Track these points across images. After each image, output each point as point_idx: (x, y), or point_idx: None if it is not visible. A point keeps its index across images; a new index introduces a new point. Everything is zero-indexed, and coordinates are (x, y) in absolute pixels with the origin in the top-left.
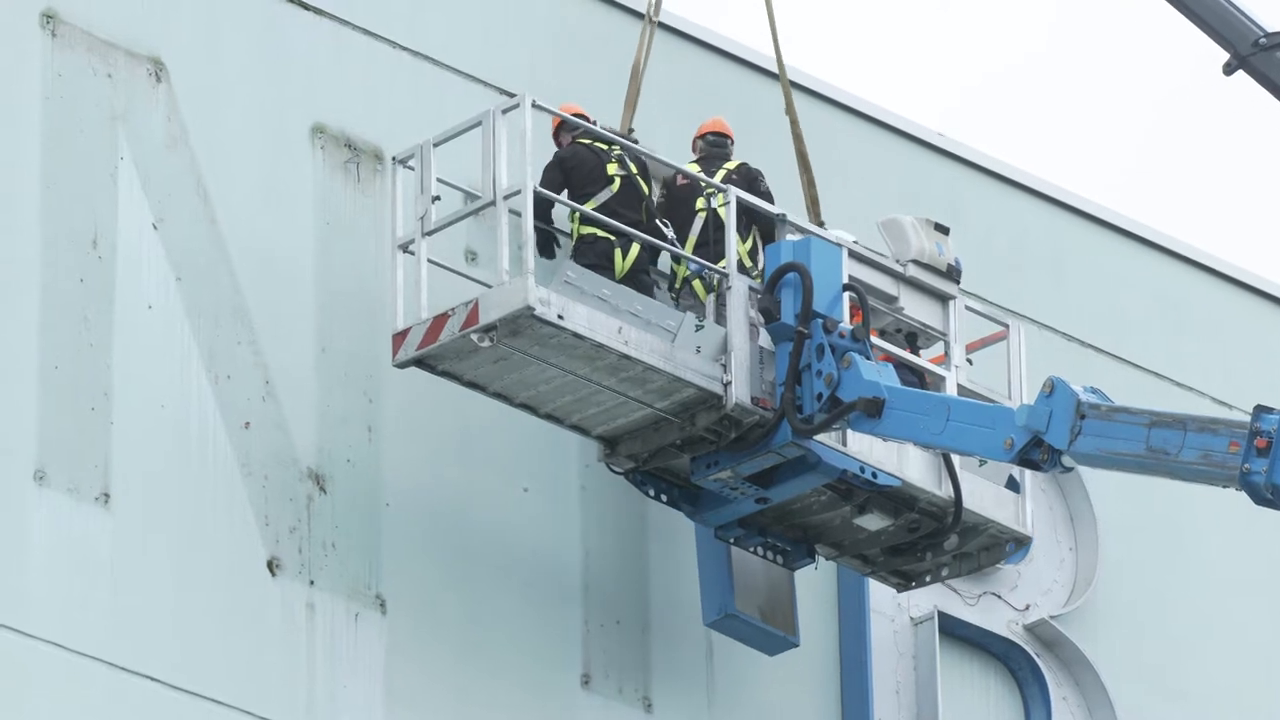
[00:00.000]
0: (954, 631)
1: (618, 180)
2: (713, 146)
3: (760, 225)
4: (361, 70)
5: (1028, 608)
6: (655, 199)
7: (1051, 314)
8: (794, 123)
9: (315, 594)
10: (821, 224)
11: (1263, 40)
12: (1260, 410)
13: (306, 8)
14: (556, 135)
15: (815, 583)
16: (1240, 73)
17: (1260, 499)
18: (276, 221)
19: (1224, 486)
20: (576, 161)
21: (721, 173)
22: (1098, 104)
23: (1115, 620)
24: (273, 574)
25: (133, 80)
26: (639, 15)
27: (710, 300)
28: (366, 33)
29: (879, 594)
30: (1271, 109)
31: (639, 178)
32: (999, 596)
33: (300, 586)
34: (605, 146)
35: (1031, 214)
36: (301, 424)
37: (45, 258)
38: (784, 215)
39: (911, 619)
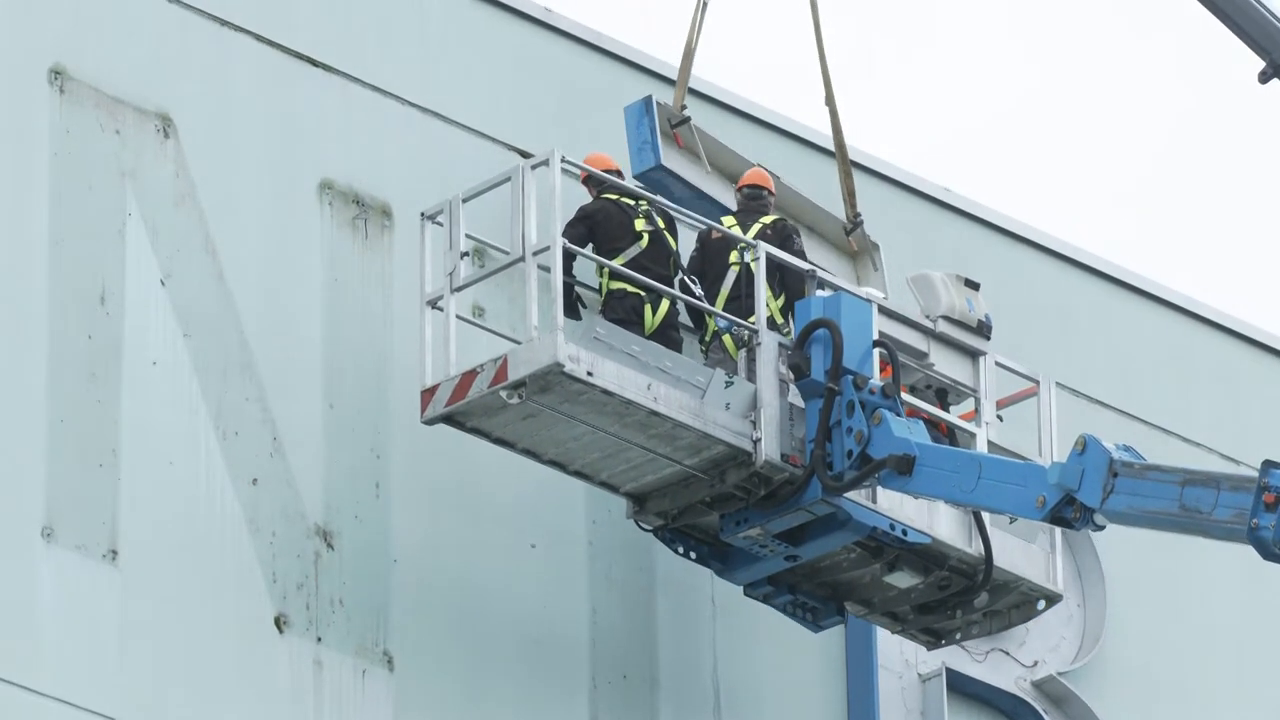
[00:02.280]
0: (962, 688)
1: (646, 236)
2: (749, 199)
3: (790, 284)
4: (369, 126)
5: (1036, 664)
6: (690, 253)
7: (1059, 369)
8: (834, 114)
9: (323, 651)
10: (857, 215)
11: None
12: (1269, 465)
13: (315, 64)
14: (587, 183)
15: (823, 638)
16: (1274, 82)
17: (1269, 554)
18: (284, 278)
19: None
20: (603, 216)
21: (757, 227)
22: (1101, 156)
23: (1123, 676)
24: (280, 630)
25: (141, 136)
26: (646, 70)
27: (741, 356)
28: (375, 89)
29: (887, 650)
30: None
31: (666, 232)
32: (1007, 653)
33: (308, 643)
34: (632, 201)
35: (1039, 269)
36: (309, 480)
37: (53, 313)
38: (814, 272)
39: (920, 675)
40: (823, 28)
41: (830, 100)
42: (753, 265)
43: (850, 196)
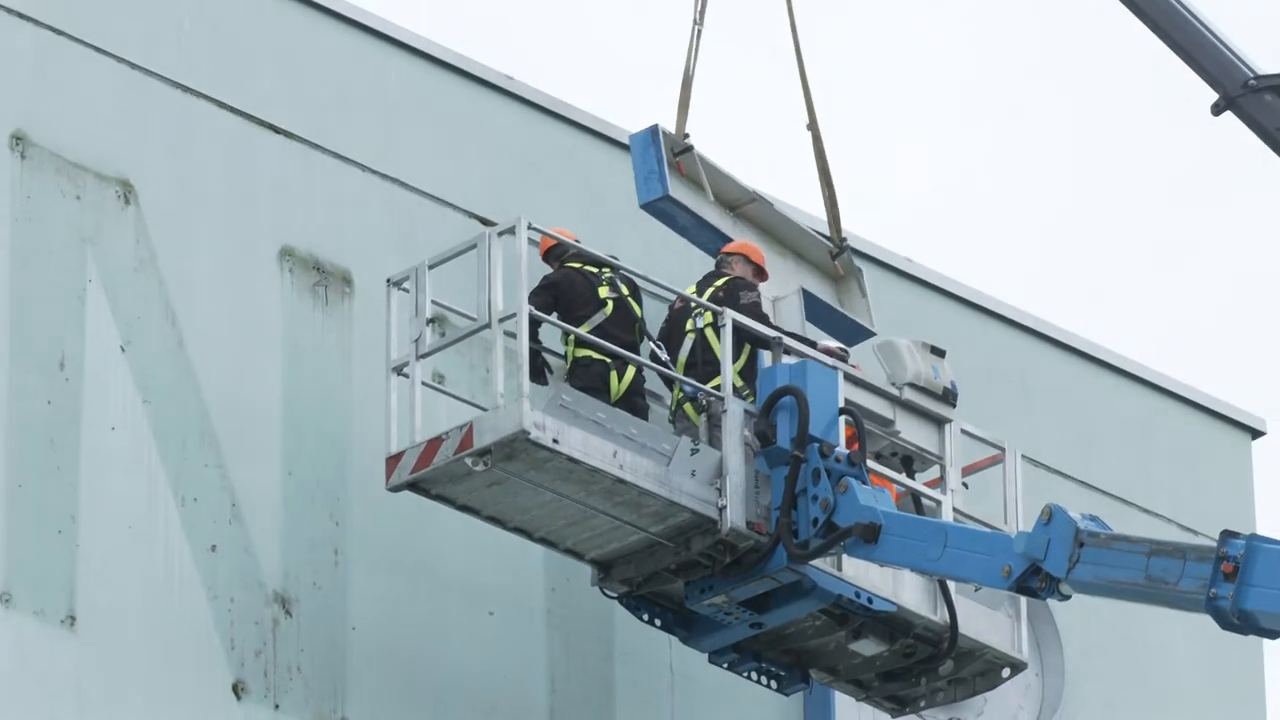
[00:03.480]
0: None
1: (610, 303)
2: (719, 264)
3: (752, 340)
4: (330, 193)
5: None
6: (661, 323)
7: (1018, 438)
8: (816, 138)
9: (280, 718)
10: (843, 241)
11: (1253, 82)
12: (1227, 535)
13: (276, 130)
14: (546, 257)
15: (781, 707)
16: (1228, 114)
17: (1227, 624)
18: (244, 344)
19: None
20: (568, 284)
21: (710, 290)
22: (1061, 227)
23: None
24: (238, 697)
25: (102, 202)
26: (606, 138)
27: (702, 421)
28: (336, 155)
29: (845, 717)
30: (1257, 154)
31: (630, 299)
32: None
33: (265, 710)
34: (595, 270)
35: (1000, 339)
36: (268, 547)
37: (12, 379)
38: (780, 338)
39: None
40: (803, 53)
41: (813, 124)
42: (706, 331)
43: (835, 221)
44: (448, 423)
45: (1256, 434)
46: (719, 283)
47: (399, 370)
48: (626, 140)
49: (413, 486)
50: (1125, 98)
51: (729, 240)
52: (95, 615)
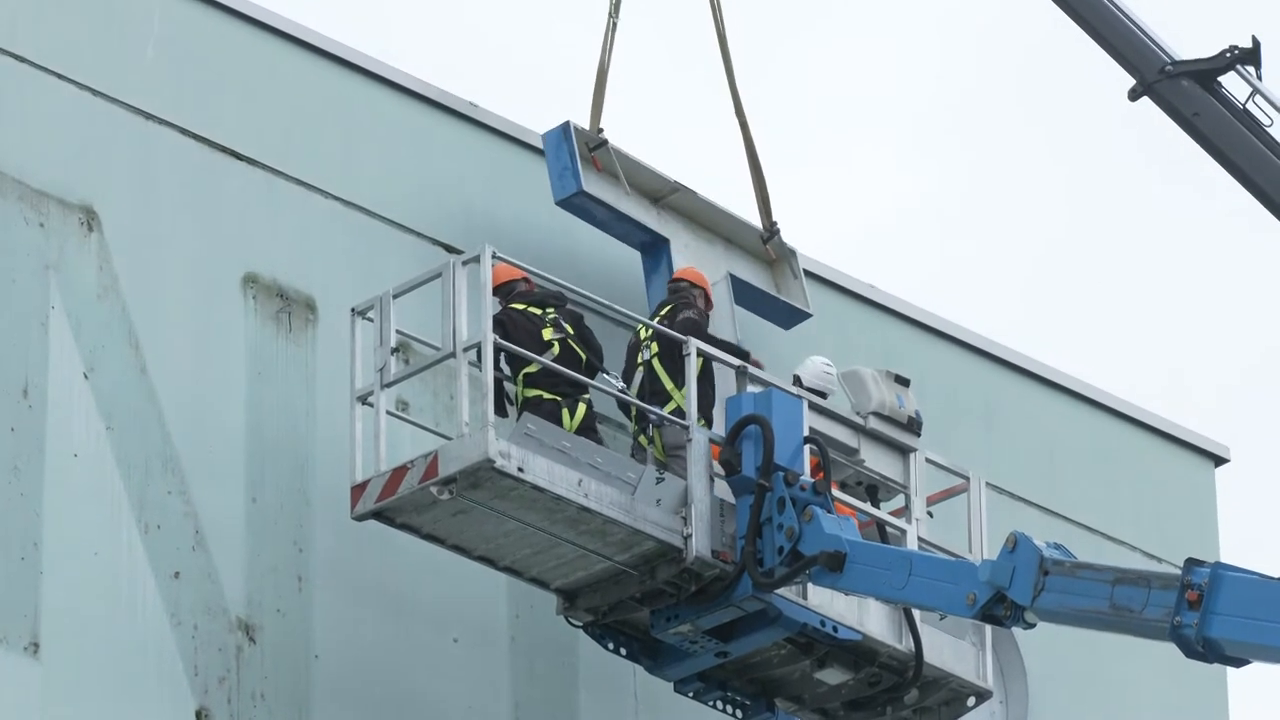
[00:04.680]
0: None
1: (556, 344)
2: (672, 293)
3: (677, 358)
4: (294, 220)
5: None
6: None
7: (983, 467)
8: (744, 126)
9: None
10: (773, 225)
11: (1169, 68)
12: (1191, 563)
13: (239, 157)
14: (496, 291)
15: None
16: (1145, 100)
17: (1191, 652)
18: (207, 371)
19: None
20: (512, 326)
21: (657, 317)
22: (1025, 253)
23: None
24: None
25: (65, 229)
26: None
27: (650, 449)
28: (299, 183)
29: None
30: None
31: (575, 340)
32: None
33: None
34: (539, 311)
35: (963, 367)
36: (231, 574)
37: None
38: (745, 367)
39: None
40: (728, 40)
41: (740, 112)
42: (654, 362)
43: (765, 205)
44: (412, 451)
45: (1220, 461)
46: (664, 310)
47: (363, 399)
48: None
49: (378, 515)
50: (1085, 125)
51: (649, 232)
52: (58, 642)
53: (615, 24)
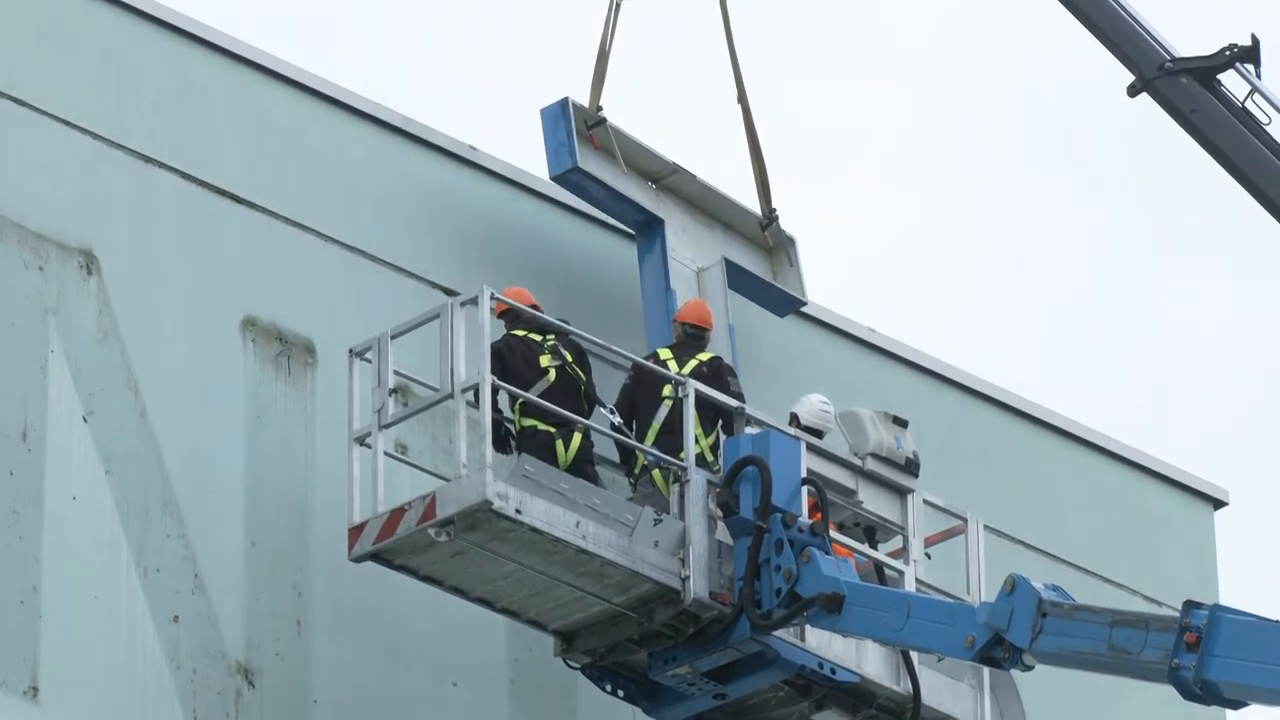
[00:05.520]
0: None
1: (552, 371)
2: (689, 336)
3: (724, 420)
4: (293, 263)
5: None
6: (624, 380)
7: (981, 509)
8: (746, 110)
9: None
10: (772, 211)
11: (1168, 64)
12: (1190, 606)
13: (238, 201)
14: (502, 316)
15: None
16: (1144, 96)
17: (1189, 694)
18: (207, 415)
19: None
20: (509, 353)
21: (693, 363)
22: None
23: None
24: None
25: (64, 273)
26: (568, 208)
27: (675, 491)
28: (298, 226)
29: None
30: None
31: (576, 366)
32: None
33: None
34: (539, 337)
35: (961, 409)
36: (230, 617)
37: None
38: (744, 409)
39: None
40: (732, 23)
41: (742, 97)
42: (685, 403)
43: (765, 191)
44: (410, 493)
45: (1219, 504)
46: (704, 357)
47: (361, 440)
48: (590, 209)
49: (376, 557)
50: (1084, 167)
51: (645, 212)
52: (58, 686)
53: (618, 4)
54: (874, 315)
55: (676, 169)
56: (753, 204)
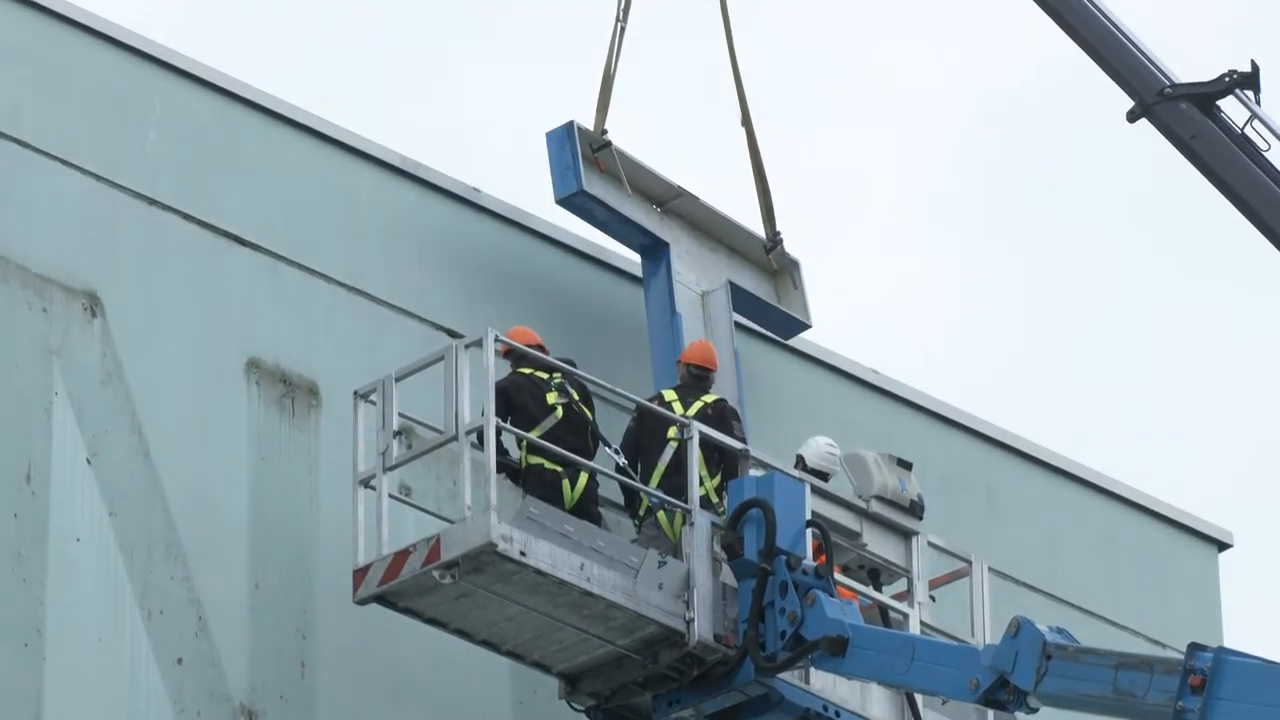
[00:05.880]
0: None
1: (559, 409)
2: (694, 378)
3: (728, 465)
4: (297, 305)
5: None
6: (629, 421)
7: (985, 551)
8: (750, 134)
9: None
10: (776, 234)
11: (1168, 90)
12: (1194, 648)
13: (242, 243)
14: (507, 355)
15: None
16: (1143, 122)
17: None
18: (211, 457)
19: None
20: (516, 391)
21: (697, 405)
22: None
23: None
24: None
25: (68, 315)
26: (573, 250)
27: (684, 531)
28: (302, 268)
29: None
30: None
31: (581, 404)
32: None
33: None
34: (545, 375)
35: (965, 451)
36: (234, 660)
37: None
38: (748, 451)
39: None
40: (736, 47)
41: (746, 120)
42: (690, 444)
43: (769, 214)
44: (415, 535)
45: (1223, 546)
46: (709, 399)
47: (366, 482)
48: (592, 252)
49: (380, 599)
50: (1088, 209)
51: (650, 235)
52: None
53: (623, 28)
54: (880, 358)
55: (681, 192)
56: (757, 227)
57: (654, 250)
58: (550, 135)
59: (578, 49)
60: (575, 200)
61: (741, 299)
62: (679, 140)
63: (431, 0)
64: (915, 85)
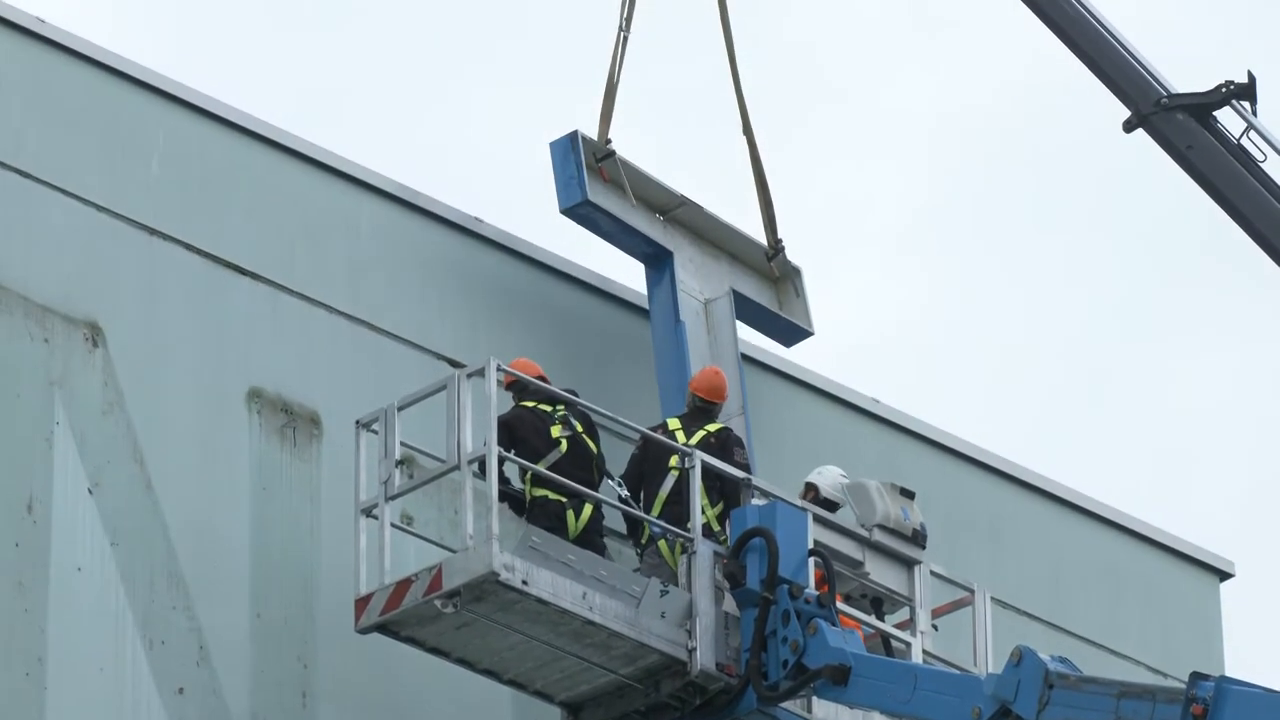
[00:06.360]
0: None
1: (564, 441)
2: (699, 408)
3: (729, 493)
4: (298, 335)
5: None
6: (632, 449)
7: (988, 580)
8: (751, 142)
9: None
10: (778, 242)
11: (1165, 100)
12: (1196, 677)
13: (244, 273)
14: (510, 388)
15: None
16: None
17: None
18: (212, 486)
19: None
20: (519, 424)
21: (700, 434)
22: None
23: None
24: None
25: (70, 345)
26: (574, 279)
27: (683, 561)
28: (304, 298)
29: None
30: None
31: (586, 436)
32: None
33: None
34: (549, 408)
35: (968, 481)
36: (236, 690)
37: None
38: (750, 480)
39: None
40: (737, 54)
41: (747, 128)
42: (692, 474)
43: (771, 223)
44: (417, 564)
45: (1224, 576)
46: (712, 428)
47: (368, 512)
48: (594, 282)
49: (382, 628)
50: (1087, 235)
51: (654, 244)
52: None
53: (626, 37)
54: (880, 387)
55: (684, 201)
56: (759, 235)
57: (658, 259)
58: (554, 145)
59: (580, 75)
60: (579, 210)
61: (744, 307)
62: (681, 149)
63: (432, 28)
64: (911, 107)
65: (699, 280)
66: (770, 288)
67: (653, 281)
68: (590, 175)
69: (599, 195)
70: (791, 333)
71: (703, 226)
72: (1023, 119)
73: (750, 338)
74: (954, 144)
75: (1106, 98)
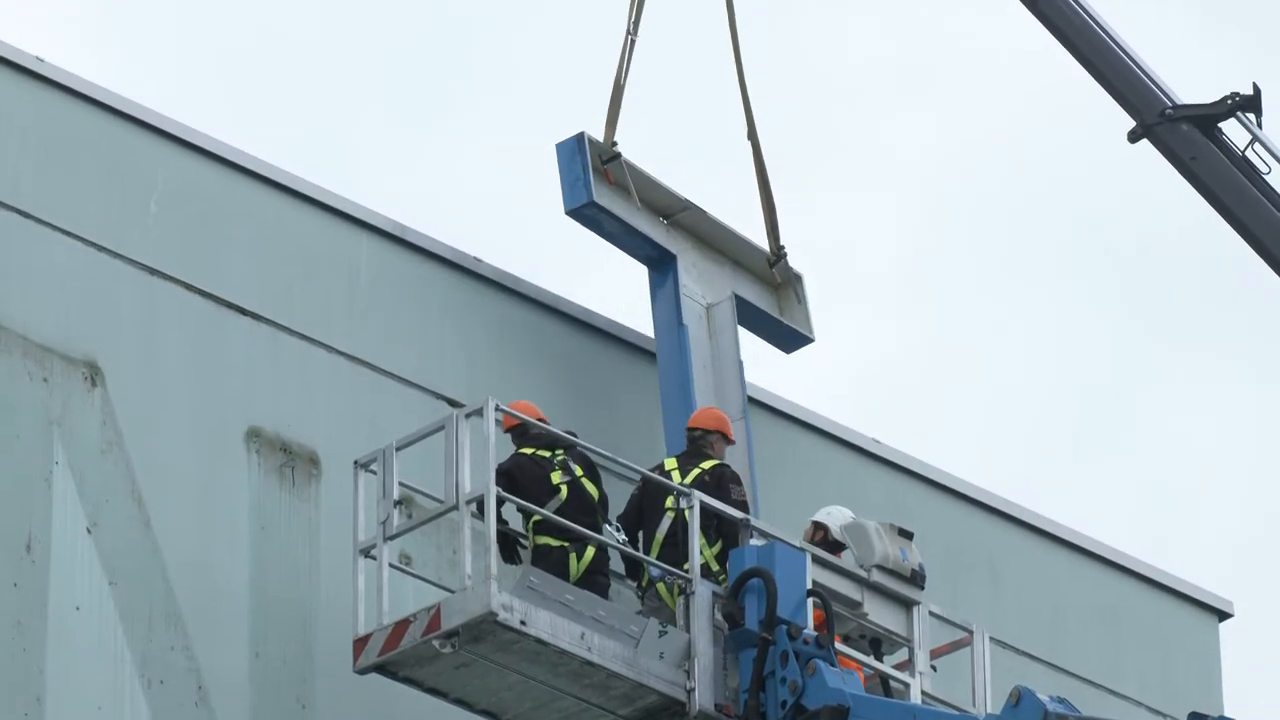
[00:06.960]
0: None
1: (564, 488)
2: (697, 444)
3: (726, 532)
4: (297, 374)
5: None
6: (632, 490)
7: (987, 621)
8: (756, 147)
9: None
10: (780, 248)
11: (1169, 111)
12: (1196, 717)
13: (243, 312)
14: (510, 431)
15: None
16: (1145, 142)
17: None
18: (211, 526)
19: None
20: (519, 473)
21: (695, 472)
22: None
23: None
24: None
25: (69, 385)
26: (574, 319)
27: (681, 603)
28: (303, 337)
29: None
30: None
31: (586, 479)
32: None
33: None
34: (548, 453)
35: (967, 521)
36: None
37: None
38: (749, 520)
39: None
40: (743, 57)
41: (752, 134)
42: (686, 513)
43: (773, 229)
44: (415, 604)
45: (1224, 616)
46: (706, 466)
47: (366, 552)
48: (593, 321)
49: (380, 669)
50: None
51: (657, 247)
52: None
53: (633, 41)
54: (877, 425)
55: (689, 205)
56: (762, 241)
57: (661, 262)
58: (561, 147)
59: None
60: (585, 211)
61: (746, 312)
62: (686, 153)
63: (431, 66)
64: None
65: (701, 284)
66: (772, 294)
67: (655, 285)
68: (596, 177)
69: (604, 197)
70: (792, 339)
71: (706, 231)
72: (1019, 158)
73: (754, 379)
74: (952, 182)
75: (1105, 140)
